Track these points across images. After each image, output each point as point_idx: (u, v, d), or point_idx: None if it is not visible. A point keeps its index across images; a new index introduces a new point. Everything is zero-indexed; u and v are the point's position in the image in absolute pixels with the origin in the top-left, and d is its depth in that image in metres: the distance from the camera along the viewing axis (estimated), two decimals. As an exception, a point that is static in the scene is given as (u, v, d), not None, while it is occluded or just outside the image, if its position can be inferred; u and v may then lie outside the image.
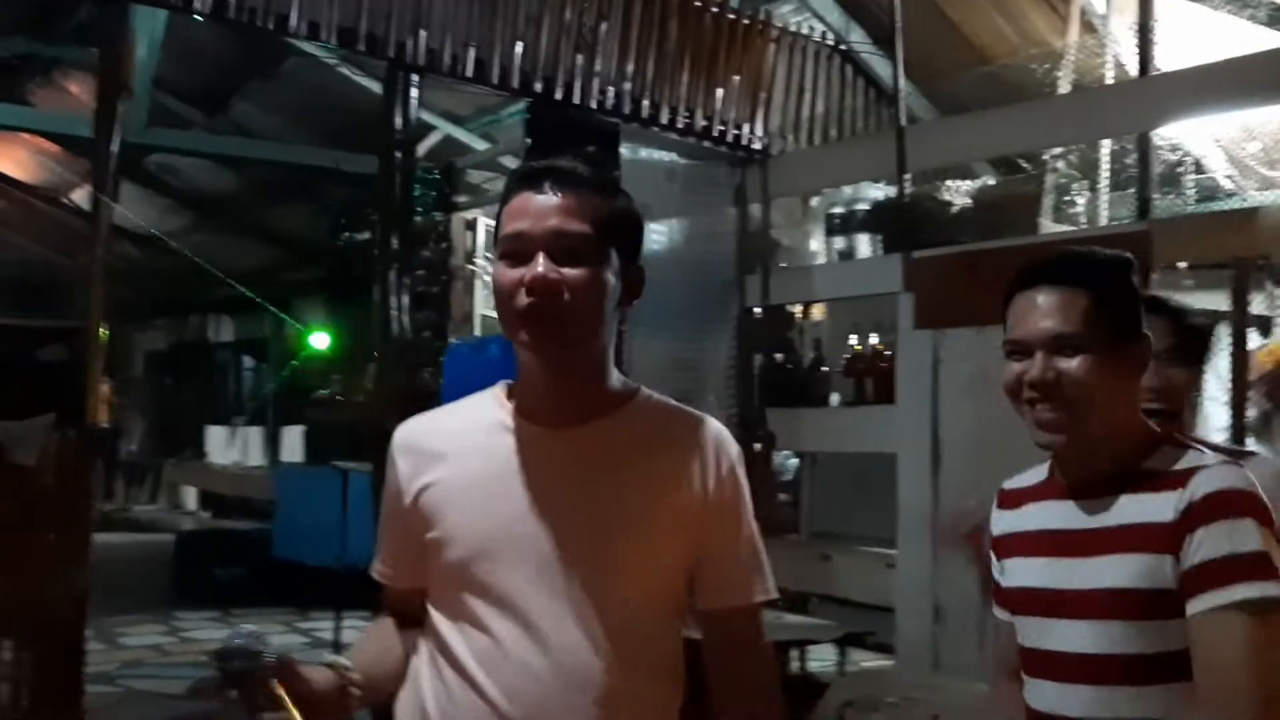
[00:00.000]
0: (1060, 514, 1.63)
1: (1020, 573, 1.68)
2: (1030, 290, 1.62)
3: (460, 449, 1.52)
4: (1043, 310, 1.59)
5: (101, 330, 4.70)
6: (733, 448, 1.53)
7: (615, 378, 1.54)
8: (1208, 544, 1.49)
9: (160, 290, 13.73)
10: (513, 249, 1.43)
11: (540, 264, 1.40)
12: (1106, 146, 4.83)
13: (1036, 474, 1.73)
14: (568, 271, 1.40)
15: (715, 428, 1.54)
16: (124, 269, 11.24)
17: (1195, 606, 1.48)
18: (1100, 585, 1.54)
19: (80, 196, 11.69)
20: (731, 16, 5.67)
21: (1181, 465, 1.56)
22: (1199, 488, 1.51)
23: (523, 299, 1.40)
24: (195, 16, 4.22)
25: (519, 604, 1.43)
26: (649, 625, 1.48)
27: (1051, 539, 1.63)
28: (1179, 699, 1.50)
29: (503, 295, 1.43)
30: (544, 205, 1.42)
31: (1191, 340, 1.92)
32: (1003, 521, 1.74)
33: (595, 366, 1.49)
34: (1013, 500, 1.74)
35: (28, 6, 8.13)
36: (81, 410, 4.33)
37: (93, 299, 4.68)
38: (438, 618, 1.50)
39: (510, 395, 1.53)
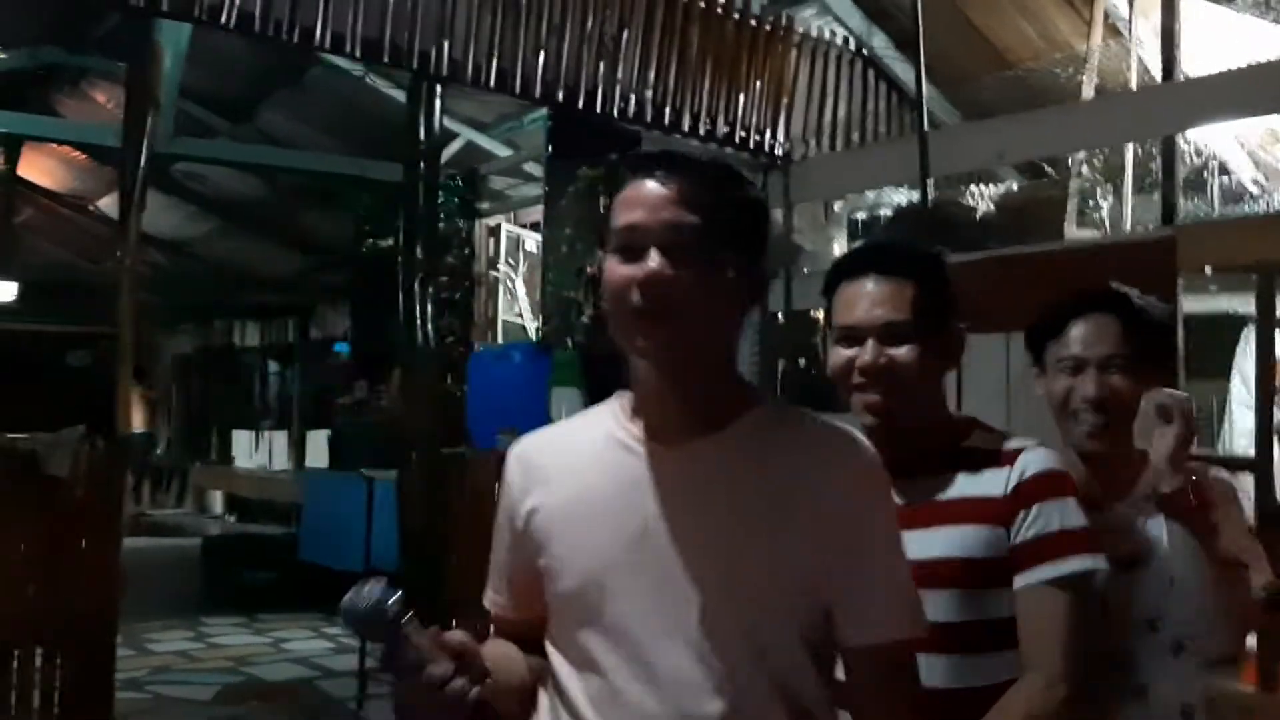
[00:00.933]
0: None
1: None
2: (860, 278, 1.69)
3: (572, 467, 1.38)
4: (874, 298, 1.66)
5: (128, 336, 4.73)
6: (868, 457, 1.35)
7: (739, 384, 1.39)
8: (1040, 519, 1.59)
9: (187, 295, 13.85)
10: (624, 242, 1.29)
11: (654, 259, 1.26)
12: (1130, 150, 4.80)
13: None
14: (684, 270, 1.26)
15: (848, 435, 1.36)
16: (151, 275, 11.34)
17: (1029, 578, 1.57)
18: (936, 555, 1.58)
19: (107, 204, 11.83)
20: (753, 22, 5.67)
21: (1005, 446, 1.65)
22: (1028, 466, 1.61)
23: (635, 297, 1.26)
24: (223, 29, 4.25)
25: (633, 640, 1.29)
26: (780, 664, 1.30)
27: None
28: (1009, 666, 1.56)
29: (613, 294, 1.29)
30: (658, 195, 1.28)
31: (1143, 348, 1.89)
32: None
33: (717, 374, 1.34)
34: None
35: (56, 18, 8.22)
36: (111, 418, 4.38)
37: (121, 305, 4.72)
38: (555, 659, 1.37)
39: (629, 408, 1.39)
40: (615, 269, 1.29)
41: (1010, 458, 1.62)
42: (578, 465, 1.38)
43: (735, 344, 1.38)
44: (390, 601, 1.22)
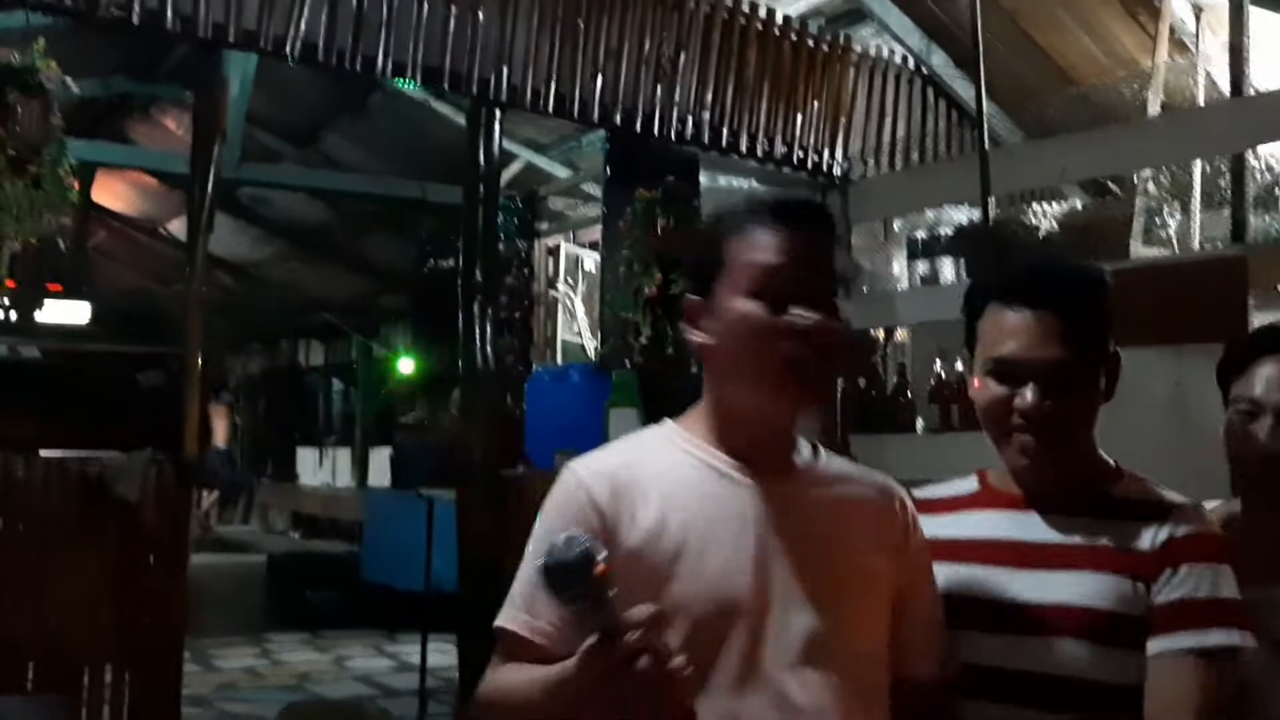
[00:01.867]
0: (1020, 525, 1.56)
1: (962, 581, 1.55)
2: (1023, 307, 1.53)
3: (673, 493, 1.35)
4: (1041, 333, 1.51)
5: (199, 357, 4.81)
6: (906, 498, 1.51)
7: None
8: (1190, 582, 1.45)
9: (253, 317, 14.11)
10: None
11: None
12: (1199, 167, 4.71)
13: (962, 484, 1.66)
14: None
15: (896, 485, 1.51)
16: (219, 297, 11.58)
17: (1168, 644, 1.42)
18: (1064, 600, 1.47)
19: (177, 227, 12.10)
20: (810, 42, 5.66)
21: (1157, 498, 1.54)
22: (1182, 525, 1.49)
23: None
24: (287, 60, 4.33)
25: (765, 671, 1.30)
26: (883, 692, 1.41)
27: (1011, 549, 1.55)
28: None
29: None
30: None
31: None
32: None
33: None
34: (931, 508, 1.62)
35: (128, 49, 8.44)
36: (180, 440, 4.46)
37: (188, 327, 4.81)
38: None
39: (704, 435, 1.40)
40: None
41: (1164, 512, 1.51)
42: (679, 491, 1.35)
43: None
44: (599, 554, 1.14)
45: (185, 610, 4.22)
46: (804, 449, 1.45)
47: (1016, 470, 1.57)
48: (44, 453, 4.20)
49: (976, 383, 1.59)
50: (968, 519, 1.61)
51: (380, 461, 12.08)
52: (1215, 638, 1.41)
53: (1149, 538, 1.49)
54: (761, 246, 1.32)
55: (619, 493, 1.35)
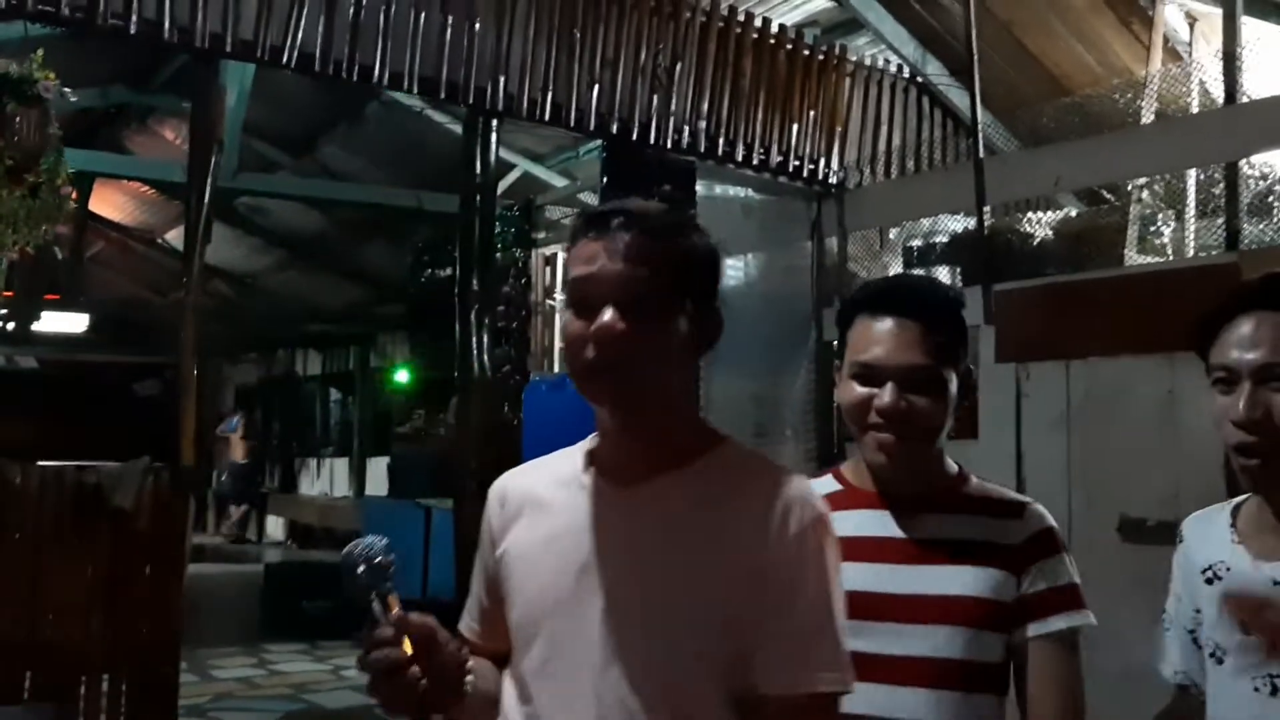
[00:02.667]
0: (886, 522, 1.68)
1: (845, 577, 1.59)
2: (883, 316, 1.66)
3: (538, 504, 1.44)
4: (899, 340, 1.64)
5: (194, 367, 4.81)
6: (811, 510, 1.33)
7: (697, 427, 1.42)
8: (1051, 573, 1.63)
9: (250, 326, 14.12)
10: (578, 297, 1.34)
11: (607, 314, 1.30)
12: (1193, 176, 4.73)
13: (823, 483, 1.74)
14: (635, 322, 1.30)
15: (797, 485, 1.35)
16: (217, 306, 11.59)
17: (1042, 628, 1.61)
18: (952, 592, 1.61)
19: (175, 237, 12.11)
20: (806, 52, 5.69)
21: (1007, 497, 1.71)
22: (1038, 520, 1.67)
23: (589, 352, 1.31)
24: (284, 69, 4.35)
25: (559, 675, 1.34)
26: (696, 710, 1.29)
27: (878, 545, 1.66)
28: (997, 710, 1.62)
29: (569, 346, 1.35)
30: (609, 251, 1.32)
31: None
32: None
33: (668, 419, 1.38)
34: None
35: (126, 59, 8.46)
36: (176, 449, 4.47)
37: (183, 337, 4.81)
38: (506, 690, 1.41)
39: (589, 445, 1.43)
40: (571, 322, 1.34)
41: (1018, 509, 1.68)
42: (543, 502, 1.43)
43: (688, 387, 1.43)
44: (379, 558, 1.27)
45: (182, 618, 4.23)
46: (693, 447, 1.38)
47: (874, 466, 1.69)
48: (41, 462, 4.21)
49: (843, 386, 1.70)
50: (838, 518, 1.62)
51: (377, 471, 12.09)
52: (1077, 619, 1.63)
53: (1012, 533, 1.65)
54: (573, 257, 1.37)
55: (506, 503, 1.47)
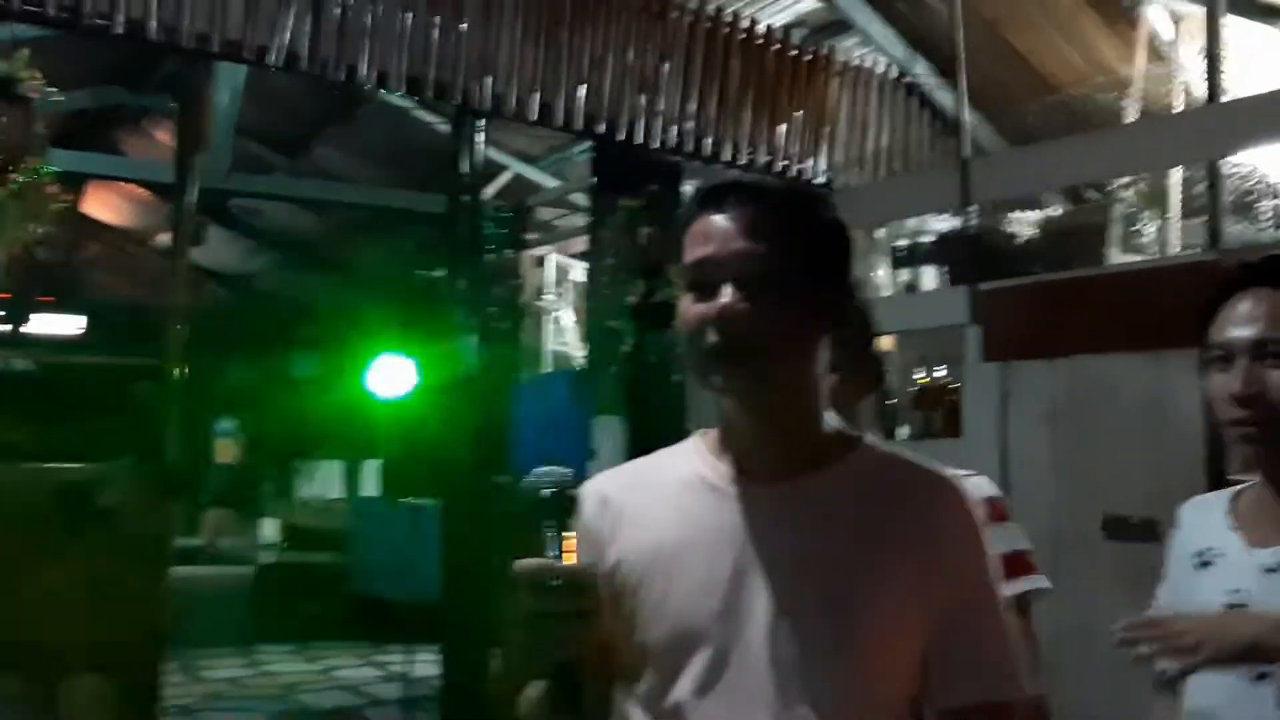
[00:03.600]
0: None
1: None
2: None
3: (659, 508, 1.30)
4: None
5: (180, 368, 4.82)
6: (977, 508, 1.28)
7: (830, 421, 1.32)
8: (1001, 541, 1.60)
9: (244, 327, 14.11)
10: (696, 279, 1.24)
11: (727, 294, 1.20)
12: (1176, 174, 4.75)
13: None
14: (760, 302, 1.20)
15: (955, 483, 1.29)
16: (211, 307, 11.61)
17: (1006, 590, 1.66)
18: None
19: (169, 239, 12.12)
20: (793, 52, 5.70)
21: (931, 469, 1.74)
22: (980, 490, 1.69)
23: (711, 335, 1.21)
24: (270, 69, 4.35)
25: (734, 699, 1.21)
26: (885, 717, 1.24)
27: None
28: None
29: (690, 332, 1.23)
30: (729, 228, 1.22)
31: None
32: None
33: (803, 409, 1.28)
34: None
35: (118, 60, 8.47)
36: (160, 449, 4.48)
37: (169, 337, 4.83)
38: (637, 715, 1.27)
39: (714, 445, 1.32)
40: (689, 307, 1.24)
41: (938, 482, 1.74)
42: (664, 506, 1.30)
43: (822, 377, 1.29)
44: (568, 489, 1.23)
45: (167, 618, 4.23)
46: (832, 444, 1.30)
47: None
48: (34, 463, 4.22)
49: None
50: None
51: (369, 472, 12.08)
52: (1031, 583, 1.72)
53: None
54: (689, 238, 1.26)
55: (609, 505, 1.33)
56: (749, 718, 1.19)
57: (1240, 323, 1.55)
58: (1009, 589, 1.61)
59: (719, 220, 1.23)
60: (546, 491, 1.21)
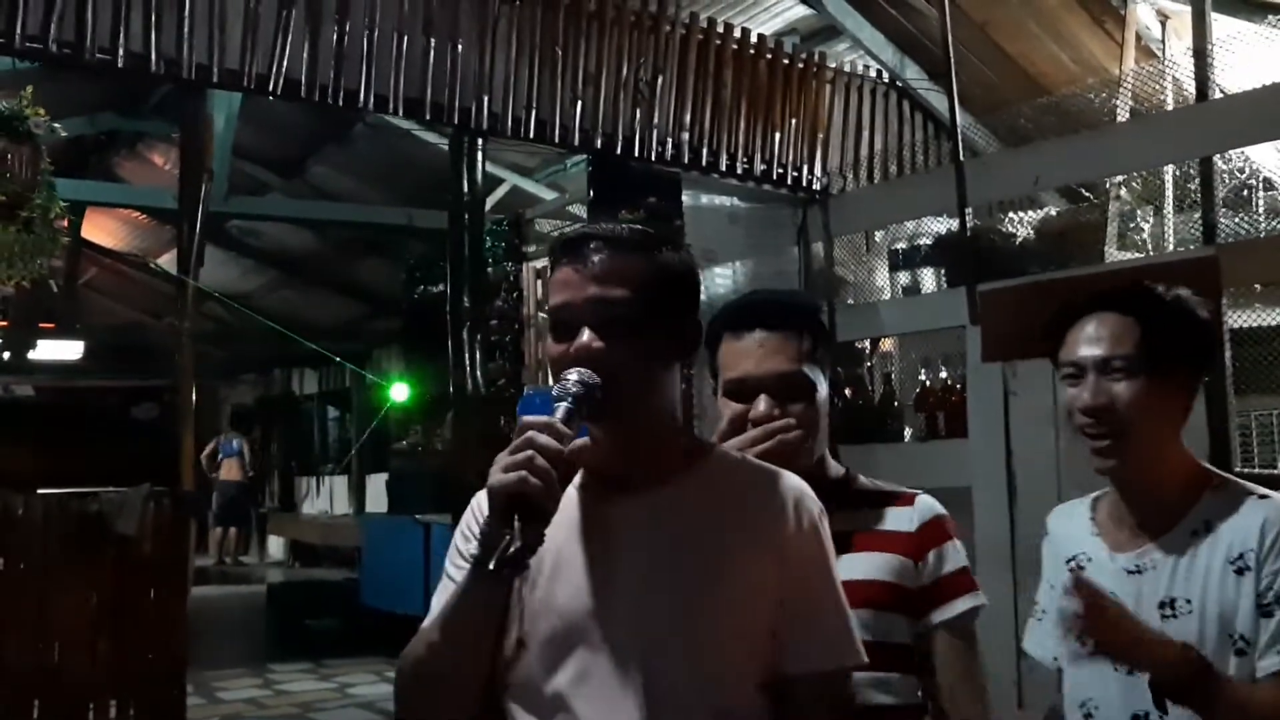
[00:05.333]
0: None
1: None
2: (746, 334, 1.76)
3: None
4: (762, 353, 1.75)
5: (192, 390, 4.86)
6: (814, 504, 1.46)
7: (686, 434, 1.51)
8: (951, 557, 1.79)
9: (245, 347, 14.15)
10: (557, 322, 1.41)
11: (584, 336, 1.37)
12: (1169, 171, 4.79)
13: None
14: (612, 341, 1.37)
15: (795, 483, 1.47)
16: (211, 328, 11.64)
17: (946, 613, 1.76)
18: (850, 576, 1.65)
19: (168, 261, 12.16)
20: (786, 60, 5.75)
21: (893, 489, 1.86)
22: (930, 508, 1.82)
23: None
24: (270, 96, 4.40)
25: (606, 689, 1.35)
26: (740, 704, 1.38)
27: None
28: (911, 690, 1.74)
29: (554, 368, 1.41)
30: (582, 275, 1.39)
31: (1161, 348, 1.71)
32: None
33: (658, 428, 1.45)
34: None
35: (113, 86, 8.52)
36: (176, 472, 4.52)
37: (180, 361, 4.87)
38: (517, 711, 1.41)
39: (588, 461, 1.46)
40: (551, 347, 1.42)
41: (908, 499, 1.83)
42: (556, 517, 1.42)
43: (675, 397, 1.48)
44: (593, 385, 1.35)
45: (186, 641, 4.28)
46: (687, 454, 1.48)
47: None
48: (43, 490, 4.25)
49: (721, 406, 1.80)
50: None
51: (376, 488, 12.12)
52: (975, 600, 1.78)
53: (906, 521, 1.79)
54: (551, 285, 1.44)
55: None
56: (621, 704, 1.34)
57: (1088, 343, 1.73)
58: (951, 609, 1.75)
59: (574, 270, 1.40)
60: (574, 378, 1.35)
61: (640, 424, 1.43)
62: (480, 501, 1.46)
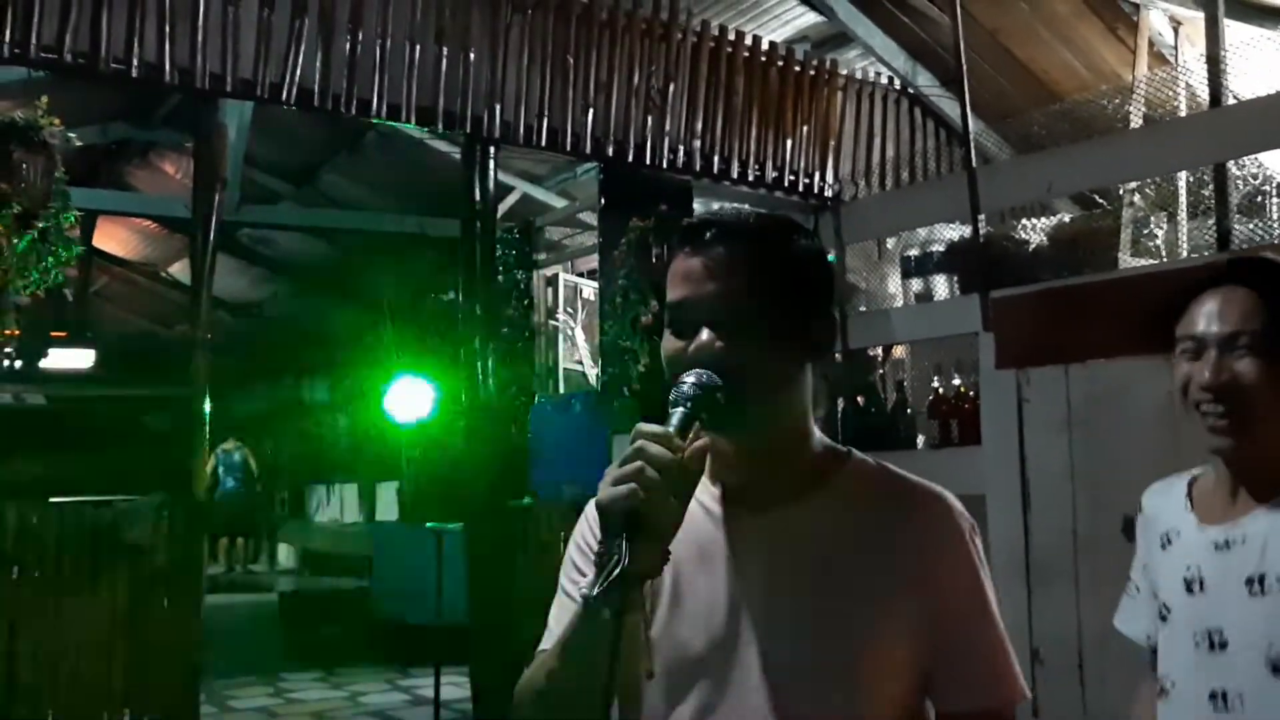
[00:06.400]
0: None
1: None
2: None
3: None
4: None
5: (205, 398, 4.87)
6: (964, 521, 1.31)
7: (819, 442, 1.35)
8: None
9: (256, 355, 14.19)
10: (675, 319, 1.28)
11: (704, 335, 1.24)
12: (1183, 178, 4.78)
13: None
14: (735, 340, 1.24)
15: (943, 496, 1.33)
16: (222, 337, 11.67)
17: None
18: None
19: (178, 269, 12.19)
20: (797, 68, 5.75)
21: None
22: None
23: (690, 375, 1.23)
24: (284, 106, 4.41)
25: (731, 715, 1.25)
26: None
27: None
28: None
29: (672, 370, 1.26)
30: (703, 267, 1.26)
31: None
32: None
33: (788, 437, 1.32)
34: None
35: (125, 96, 8.55)
36: (190, 481, 4.52)
37: (195, 370, 4.88)
38: None
39: (710, 474, 1.32)
40: (670, 345, 1.28)
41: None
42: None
43: (806, 401, 1.33)
44: (712, 384, 1.21)
45: (200, 651, 4.28)
46: (821, 465, 1.34)
47: None
48: (56, 499, 4.26)
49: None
50: None
51: (387, 496, 12.13)
52: None
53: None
54: (670, 277, 1.31)
55: None
56: None
57: (1212, 318, 1.67)
58: None
59: (695, 261, 1.27)
60: (690, 379, 1.21)
61: (766, 432, 1.29)
62: (593, 508, 1.28)
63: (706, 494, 1.32)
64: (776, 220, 1.33)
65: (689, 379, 1.20)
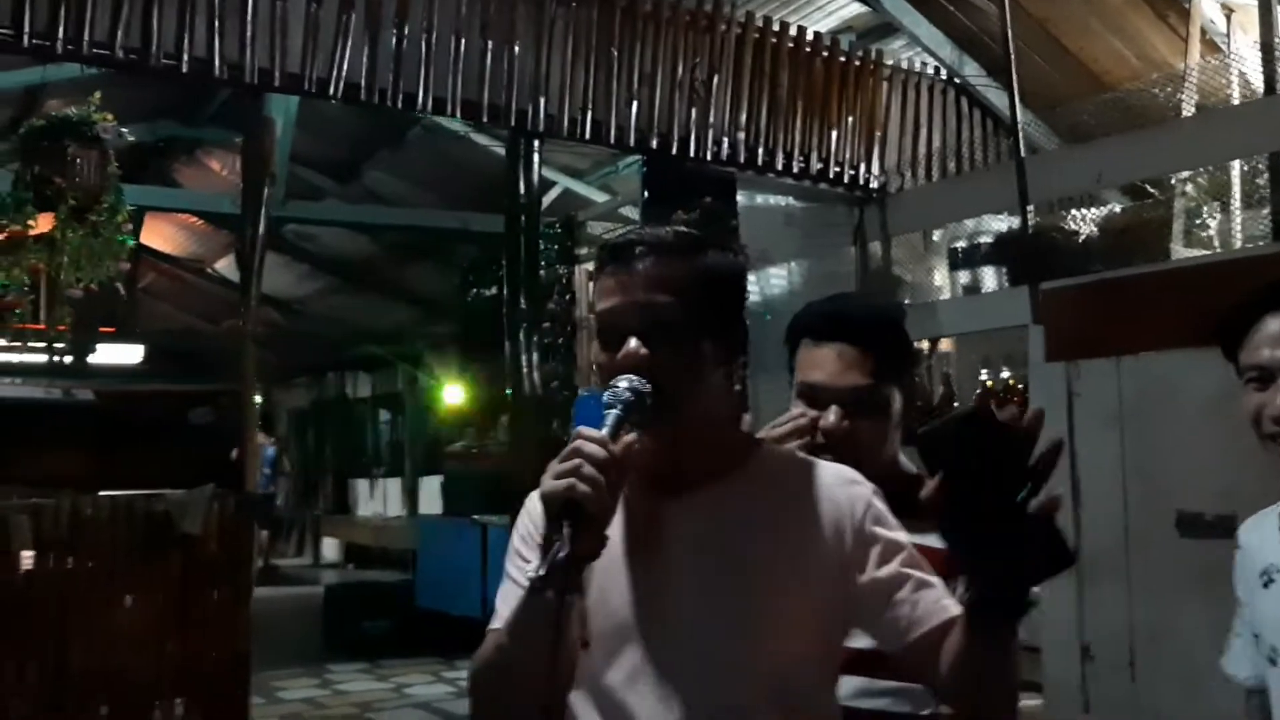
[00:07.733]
0: None
1: None
2: (825, 343, 1.75)
3: None
4: (839, 365, 1.73)
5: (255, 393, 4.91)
6: (865, 486, 1.45)
7: (737, 435, 1.52)
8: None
9: (301, 351, 14.31)
10: (604, 330, 1.42)
11: (630, 344, 1.37)
12: (1236, 167, 4.70)
13: None
14: (657, 348, 1.36)
15: (842, 470, 1.47)
16: (267, 332, 11.78)
17: None
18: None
19: (224, 265, 12.32)
20: (842, 58, 5.71)
21: None
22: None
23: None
24: (331, 100, 4.44)
25: (660, 686, 1.36)
26: (800, 692, 1.38)
27: None
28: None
29: (602, 377, 1.40)
30: (626, 282, 1.40)
31: None
32: None
33: (708, 430, 1.44)
34: None
35: (173, 94, 8.65)
36: (240, 475, 4.57)
37: (243, 366, 4.93)
38: (580, 706, 1.42)
39: (637, 463, 1.42)
40: (598, 355, 1.43)
41: None
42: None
43: (723, 398, 1.45)
44: (644, 391, 1.33)
45: (250, 641, 4.32)
46: (735, 451, 1.48)
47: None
48: (101, 491, 4.32)
49: (794, 405, 1.79)
50: None
51: (431, 490, 12.19)
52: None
53: None
54: (597, 292, 1.45)
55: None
56: (673, 703, 1.34)
57: (1278, 343, 1.57)
58: None
59: (620, 278, 1.40)
60: (625, 384, 1.33)
61: (691, 428, 1.41)
62: (534, 501, 1.44)
63: (636, 483, 1.41)
64: (692, 236, 1.45)
65: (621, 384, 1.33)
